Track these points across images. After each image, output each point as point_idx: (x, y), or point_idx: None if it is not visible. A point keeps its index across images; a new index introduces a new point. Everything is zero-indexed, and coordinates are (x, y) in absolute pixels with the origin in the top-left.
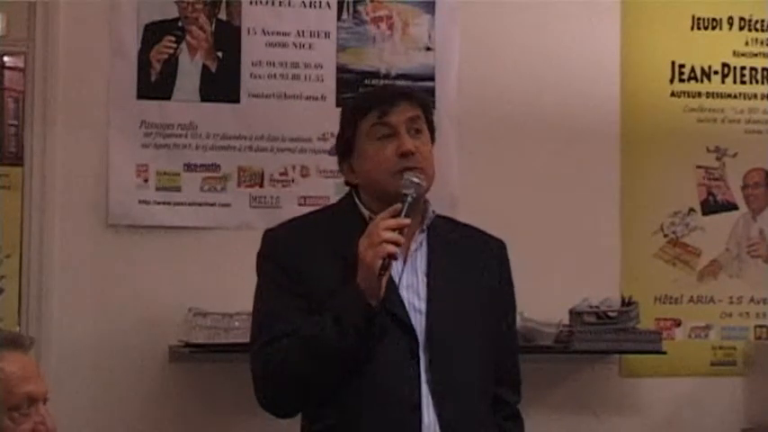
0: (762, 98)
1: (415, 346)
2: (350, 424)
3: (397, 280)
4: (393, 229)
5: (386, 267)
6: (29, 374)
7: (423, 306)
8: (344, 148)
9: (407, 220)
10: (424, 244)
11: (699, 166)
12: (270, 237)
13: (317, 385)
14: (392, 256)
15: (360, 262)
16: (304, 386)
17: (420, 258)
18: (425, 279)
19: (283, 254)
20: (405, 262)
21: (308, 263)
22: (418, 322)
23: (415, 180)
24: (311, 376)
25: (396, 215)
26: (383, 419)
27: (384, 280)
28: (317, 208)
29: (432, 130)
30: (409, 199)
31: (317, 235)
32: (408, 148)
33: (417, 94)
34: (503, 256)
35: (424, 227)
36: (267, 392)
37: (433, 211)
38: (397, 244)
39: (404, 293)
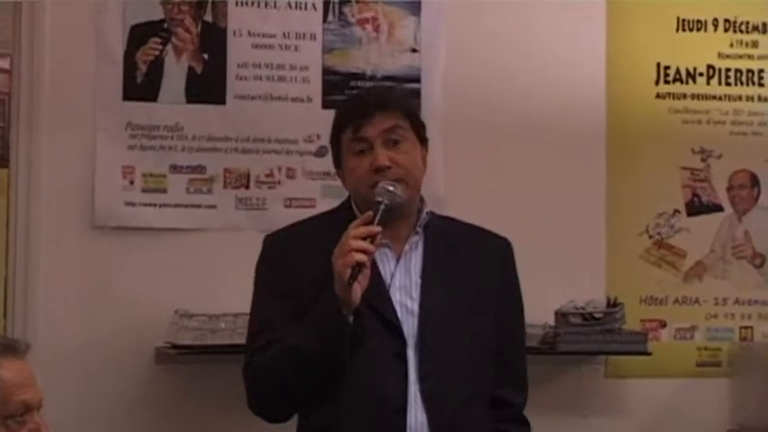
0: (747, 100)
1: (402, 348)
2: (338, 425)
3: (388, 281)
4: (364, 238)
5: (355, 276)
6: (25, 382)
7: (415, 307)
8: (335, 157)
9: (378, 228)
10: (420, 245)
11: (684, 168)
12: (266, 241)
13: (301, 391)
14: (361, 265)
15: (333, 270)
16: (289, 393)
17: (415, 260)
18: (419, 280)
19: (277, 257)
20: (397, 263)
21: (300, 265)
22: (410, 324)
23: (389, 188)
24: (294, 383)
25: (369, 223)
26: (369, 421)
27: (358, 288)
28: (320, 212)
29: (419, 132)
30: (382, 207)
31: (313, 238)
32: (381, 163)
33: (395, 101)
34: (506, 255)
35: (418, 228)
36: (257, 399)
37: (428, 213)
38: (366, 252)
39: (396, 295)
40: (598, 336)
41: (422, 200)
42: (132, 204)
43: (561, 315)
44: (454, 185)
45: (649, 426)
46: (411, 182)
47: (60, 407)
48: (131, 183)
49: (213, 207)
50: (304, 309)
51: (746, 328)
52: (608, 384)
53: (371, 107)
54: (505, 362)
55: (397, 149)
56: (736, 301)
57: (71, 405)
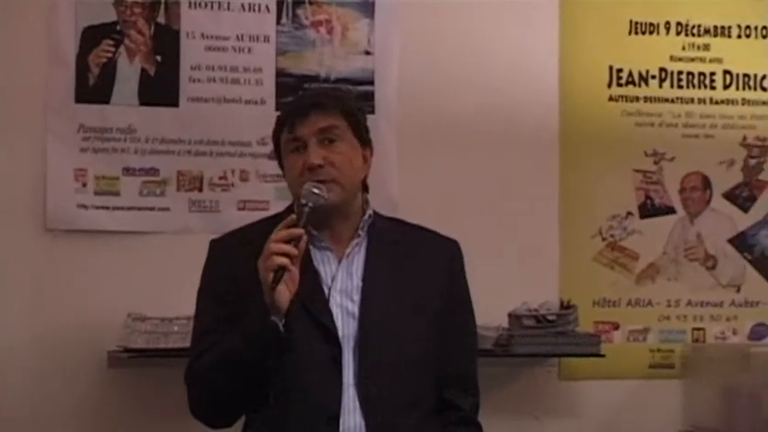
0: (698, 102)
1: (338, 353)
2: (276, 429)
3: (329, 283)
4: (288, 241)
5: (278, 280)
6: None
7: (355, 310)
8: (278, 158)
9: (299, 231)
10: (363, 247)
11: (637, 170)
12: (211, 245)
13: (235, 396)
14: (283, 268)
15: (260, 275)
16: (224, 398)
17: (357, 262)
18: (360, 283)
19: (221, 261)
20: (339, 265)
21: (242, 269)
22: (350, 326)
23: (315, 191)
24: (228, 388)
25: (293, 225)
26: (304, 426)
27: (285, 293)
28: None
29: (359, 133)
30: (306, 209)
31: (256, 241)
32: (312, 161)
33: (333, 101)
34: (454, 256)
35: (360, 231)
36: (197, 404)
37: (371, 215)
38: (288, 255)
39: (337, 297)
40: (551, 338)
41: (366, 201)
42: (85, 207)
43: (514, 317)
44: (408, 187)
45: (602, 427)
46: (344, 182)
47: (12, 410)
48: (84, 185)
49: (166, 210)
50: (245, 313)
51: (699, 329)
52: (561, 386)
53: (307, 106)
54: (454, 365)
55: (332, 149)
56: (689, 303)
57: (23, 409)
